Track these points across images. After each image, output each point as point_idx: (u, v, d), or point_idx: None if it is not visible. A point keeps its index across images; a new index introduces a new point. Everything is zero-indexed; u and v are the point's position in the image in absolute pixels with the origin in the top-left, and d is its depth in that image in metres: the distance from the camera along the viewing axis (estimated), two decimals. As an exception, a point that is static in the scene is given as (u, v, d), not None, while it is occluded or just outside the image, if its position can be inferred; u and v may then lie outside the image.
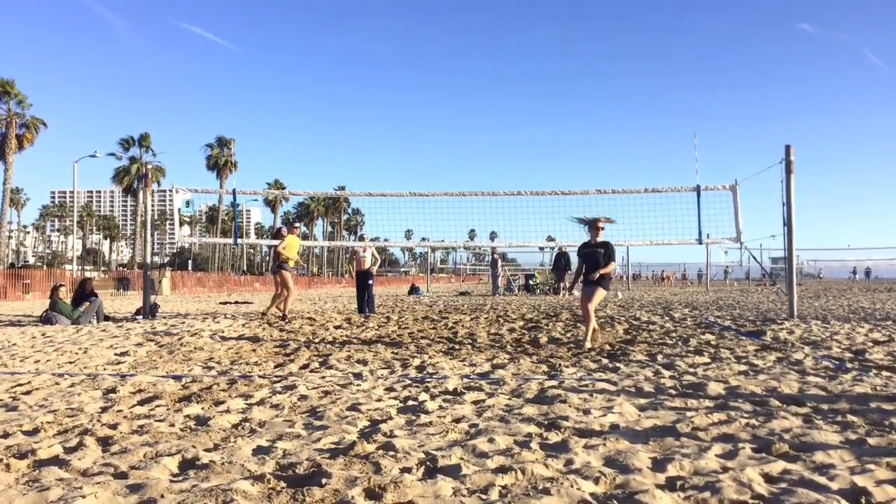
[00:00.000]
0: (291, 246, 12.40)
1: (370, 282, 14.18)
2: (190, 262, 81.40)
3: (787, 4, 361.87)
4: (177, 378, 5.70)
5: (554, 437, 3.61)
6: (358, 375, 5.79)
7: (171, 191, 14.38)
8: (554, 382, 5.35)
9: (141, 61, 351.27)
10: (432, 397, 4.76)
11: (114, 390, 5.12)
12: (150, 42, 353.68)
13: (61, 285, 12.51)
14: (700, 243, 13.66)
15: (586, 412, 4.22)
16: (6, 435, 3.70)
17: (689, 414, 4.12)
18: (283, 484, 2.84)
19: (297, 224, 13.14)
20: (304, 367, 6.41)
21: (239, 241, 16.18)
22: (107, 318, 12.28)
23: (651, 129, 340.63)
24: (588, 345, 7.81)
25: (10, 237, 76.15)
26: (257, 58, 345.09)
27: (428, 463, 3.09)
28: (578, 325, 10.89)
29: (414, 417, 4.12)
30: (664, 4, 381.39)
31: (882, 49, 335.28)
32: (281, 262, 12.25)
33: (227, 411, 4.31)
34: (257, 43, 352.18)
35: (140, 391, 5.09)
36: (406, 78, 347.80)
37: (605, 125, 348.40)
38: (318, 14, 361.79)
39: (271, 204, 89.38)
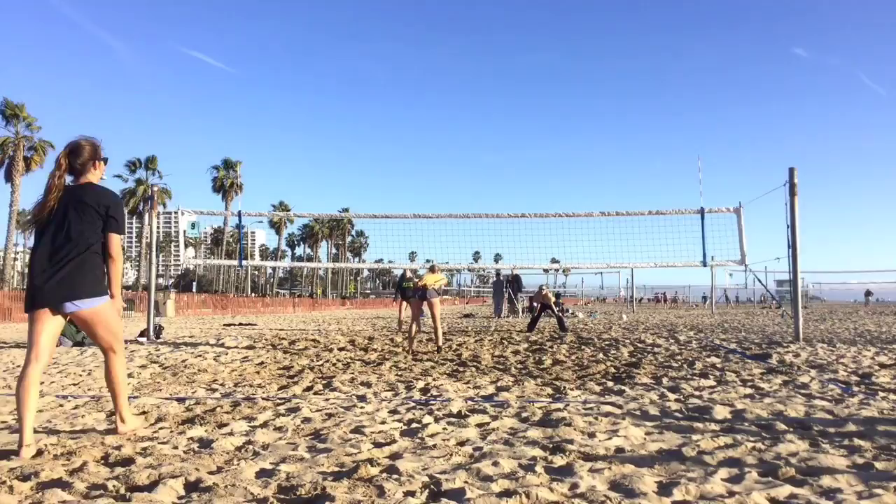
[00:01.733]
0: (433, 280, 11.19)
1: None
2: (194, 283, 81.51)
3: (778, 29, 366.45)
4: (180, 400, 5.69)
5: (559, 461, 3.59)
6: (362, 398, 5.77)
7: (176, 213, 14.45)
8: (559, 405, 5.32)
9: (145, 85, 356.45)
10: (436, 420, 4.74)
11: (117, 412, 5.10)
12: (153, 66, 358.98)
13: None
14: (705, 265, 13.64)
15: (591, 435, 4.20)
16: (9, 456, 3.69)
17: (694, 437, 4.09)
18: (286, 507, 2.83)
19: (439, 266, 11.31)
20: (308, 389, 6.39)
21: (244, 262, 16.19)
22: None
23: (654, 152, 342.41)
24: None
25: (16, 259, 76.38)
26: (257, 82, 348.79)
27: (432, 486, 3.07)
28: (583, 347, 10.86)
29: (418, 440, 4.10)
30: (661, 27, 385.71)
31: (876, 73, 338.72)
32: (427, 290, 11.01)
33: (231, 434, 4.30)
34: (256, 67, 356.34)
35: (144, 413, 5.08)
36: (406, 101, 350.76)
37: (608, 147, 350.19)
38: (316, 40, 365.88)
39: (276, 226, 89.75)
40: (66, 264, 3.96)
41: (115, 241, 4.13)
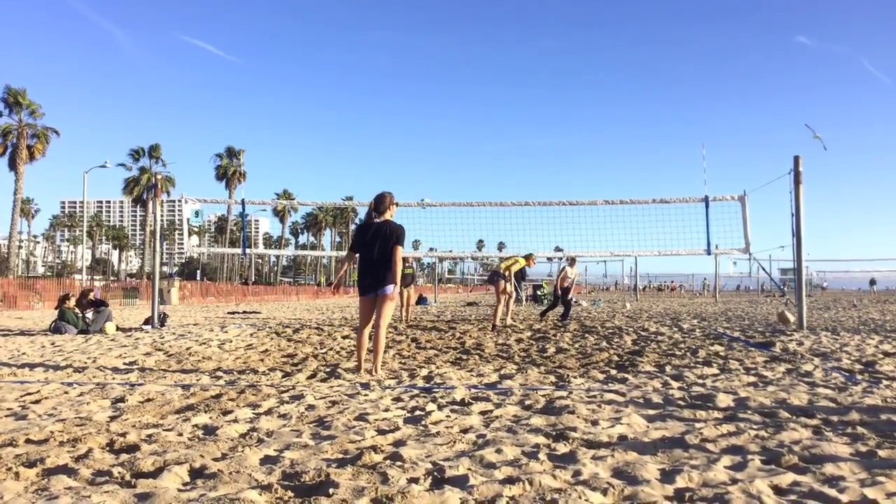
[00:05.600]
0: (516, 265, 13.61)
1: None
2: (199, 271, 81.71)
3: (782, 17, 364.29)
4: (185, 387, 5.71)
5: (562, 448, 3.60)
6: (365, 385, 5.79)
7: (180, 201, 14.47)
8: (562, 393, 5.33)
9: (148, 73, 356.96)
10: (440, 407, 4.75)
11: (122, 399, 5.14)
12: (155, 55, 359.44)
13: (70, 295, 12.58)
14: (709, 254, 13.61)
15: (594, 423, 4.21)
16: (15, 443, 3.72)
17: (697, 425, 4.10)
18: (290, 493, 2.84)
19: (533, 255, 14.69)
20: (312, 376, 6.41)
21: (247, 251, 16.21)
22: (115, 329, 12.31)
23: (658, 141, 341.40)
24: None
25: (20, 247, 76.59)
26: (260, 70, 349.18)
27: (435, 473, 3.08)
28: (586, 335, 10.87)
29: (421, 428, 4.12)
30: (665, 15, 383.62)
31: (880, 61, 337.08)
32: (504, 275, 13.13)
33: (235, 421, 4.32)
34: (259, 56, 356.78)
35: (148, 400, 5.11)
36: (409, 89, 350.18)
37: (612, 136, 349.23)
38: (319, 28, 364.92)
39: (280, 214, 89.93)
40: (377, 269, 6.34)
41: (398, 251, 6.36)
